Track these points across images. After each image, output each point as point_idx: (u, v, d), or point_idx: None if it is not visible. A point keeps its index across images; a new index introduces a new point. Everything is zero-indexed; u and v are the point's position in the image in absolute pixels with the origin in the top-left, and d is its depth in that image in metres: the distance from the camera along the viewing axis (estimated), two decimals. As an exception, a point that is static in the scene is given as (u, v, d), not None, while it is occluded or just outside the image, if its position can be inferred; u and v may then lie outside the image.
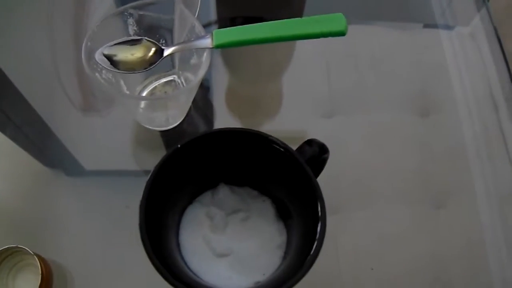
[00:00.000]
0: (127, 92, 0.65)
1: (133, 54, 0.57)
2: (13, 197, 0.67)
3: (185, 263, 0.54)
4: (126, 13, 0.60)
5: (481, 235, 0.67)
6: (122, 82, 0.63)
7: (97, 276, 0.62)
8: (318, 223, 0.47)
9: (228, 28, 0.56)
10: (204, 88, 0.73)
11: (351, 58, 0.79)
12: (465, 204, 0.69)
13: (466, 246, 0.66)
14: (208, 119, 0.73)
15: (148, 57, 0.58)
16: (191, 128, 0.70)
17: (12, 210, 0.65)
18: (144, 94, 0.69)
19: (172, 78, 0.69)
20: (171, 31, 0.63)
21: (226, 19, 0.83)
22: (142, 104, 0.66)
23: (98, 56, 0.56)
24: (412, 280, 0.64)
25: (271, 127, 0.71)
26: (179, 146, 0.50)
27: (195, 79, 0.57)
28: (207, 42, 0.56)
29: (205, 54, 0.57)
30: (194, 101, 0.68)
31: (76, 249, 0.63)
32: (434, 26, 0.85)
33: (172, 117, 0.67)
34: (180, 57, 0.67)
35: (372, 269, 0.63)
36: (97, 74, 0.57)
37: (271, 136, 0.50)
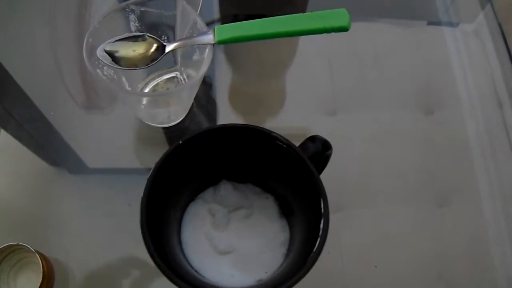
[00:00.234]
0: (129, 89, 0.64)
1: (134, 50, 0.57)
2: (15, 195, 0.66)
3: (187, 261, 0.53)
4: (127, 10, 0.59)
5: (485, 232, 0.67)
6: (124, 79, 0.63)
7: (98, 274, 0.62)
8: (321, 220, 0.46)
9: (230, 23, 0.55)
10: (207, 85, 0.73)
11: (354, 55, 0.79)
12: (469, 202, 0.69)
13: (470, 244, 0.66)
14: (211, 116, 0.72)
15: (150, 54, 0.57)
16: (193, 125, 0.70)
17: (14, 207, 0.65)
18: (146, 91, 0.68)
19: (174, 75, 0.69)
20: (173, 27, 0.62)
21: (229, 17, 0.83)
22: (144, 100, 0.65)
23: (99, 53, 0.56)
24: (415, 278, 0.64)
25: (274, 125, 0.70)
26: (180, 142, 0.49)
27: (197, 75, 0.56)
28: (209, 38, 0.55)
29: (207, 50, 0.57)
30: (196, 98, 0.68)
31: (78, 247, 0.63)
32: (438, 23, 0.84)
33: (174, 113, 0.67)
34: (182, 54, 0.66)
35: (375, 266, 0.63)
36: (98, 70, 0.56)
37: (273, 132, 0.50)
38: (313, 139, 0.52)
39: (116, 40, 0.57)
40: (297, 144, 0.51)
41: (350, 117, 0.74)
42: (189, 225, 0.56)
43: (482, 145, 0.73)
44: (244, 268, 0.53)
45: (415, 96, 0.76)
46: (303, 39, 0.79)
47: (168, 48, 0.57)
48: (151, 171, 0.48)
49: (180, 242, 0.55)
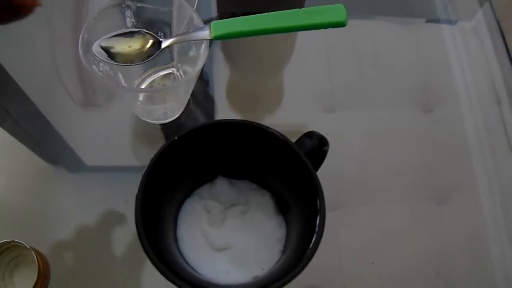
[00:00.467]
0: (125, 85, 0.64)
1: (130, 46, 0.57)
2: (11, 192, 0.66)
3: (183, 257, 0.53)
4: (123, 5, 0.59)
5: (484, 230, 0.67)
6: (120, 75, 0.63)
7: (95, 271, 0.61)
8: (317, 216, 0.46)
9: (226, 19, 0.55)
10: (205, 81, 0.73)
11: (353, 53, 0.79)
12: (467, 200, 0.69)
13: (468, 241, 0.66)
14: (208, 112, 0.72)
15: (145, 49, 0.57)
16: (190, 121, 0.69)
17: (11, 205, 0.65)
18: (142, 87, 0.68)
19: (170, 71, 0.68)
20: (169, 23, 0.62)
21: (227, 15, 0.82)
22: (141, 97, 0.65)
23: (95, 48, 0.56)
24: (414, 275, 0.64)
25: (271, 121, 0.70)
26: (176, 138, 0.49)
27: (193, 71, 0.56)
28: (205, 33, 0.55)
29: (203, 46, 0.57)
30: (194, 95, 0.68)
31: (74, 244, 0.62)
32: (437, 21, 0.84)
33: (170, 110, 0.66)
34: (178, 50, 0.66)
35: (372, 263, 0.63)
36: (94, 66, 0.56)
37: (270, 128, 0.50)
38: (309, 135, 0.52)
39: (112, 36, 0.57)
40: (294, 140, 0.51)
41: (348, 115, 0.73)
42: (185, 222, 0.55)
43: (481, 142, 0.72)
44: (240, 264, 0.53)
45: (413, 93, 0.76)
46: (301, 36, 0.79)
47: (164, 44, 0.57)
48: (146, 167, 0.48)
49: (176, 239, 0.54)
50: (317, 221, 0.46)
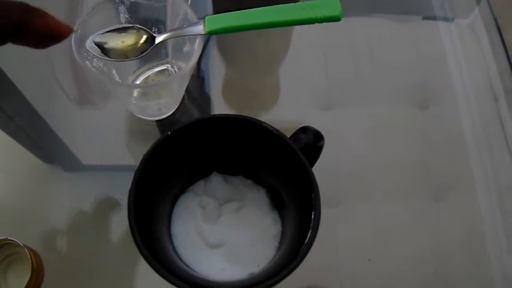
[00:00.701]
0: (119, 81, 0.64)
1: (124, 41, 0.56)
2: (6, 190, 0.66)
3: (177, 254, 0.53)
4: (117, 1, 0.59)
5: (481, 227, 0.67)
6: (114, 72, 0.62)
7: (89, 269, 0.61)
8: (312, 211, 0.46)
9: (220, 14, 0.55)
10: (200, 78, 0.73)
11: (350, 50, 0.79)
12: (464, 197, 0.69)
13: (466, 239, 0.66)
14: (203, 109, 0.72)
15: (139, 45, 0.57)
16: (185, 117, 0.69)
17: (5, 203, 0.65)
18: (137, 83, 0.68)
19: (165, 67, 0.68)
20: (163, 19, 0.62)
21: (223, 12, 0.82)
22: (135, 93, 0.65)
23: (88, 44, 0.55)
24: (411, 272, 0.64)
25: (268, 119, 0.68)
26: (169, 133, 0.49)
27: (187, 66, 0.55)
28: (199, 28, 0.55)
29: (197, 41, 0.56)
30: (190, 92, 0.68)
31: (68, 242, 0.62)
32: (433, 18, 0.84)
33: (164, 106, 0.66)
34: (173, 46, 0.66)
35: (369, 260, 0.62)
36: (87, 62, 0.56)
37: (264, 122, 0.49)
38: (304, 130, 0.52)
39: (106, 32, 0.56)
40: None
41: (345, 112, 0.73)
42: (179, 218, 0.55)
43: (478, 139, 0.72)
44: (236, 261, 0.53)
45: (410, 91, 0.76)
46: (297, 32, 0.78)
47: (158, 40, 0.56)
48: (138, 163, 0.47)
49: (170, 236, 0.54)
50: (312, 217, 0.45)
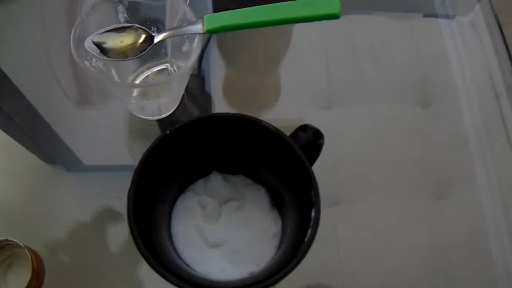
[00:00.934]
0: (118, 81, 0.63)
1: (122, 41, 0.56)
2: (6, 191, 0.66)
3: (178, 254, 0.53)
4: (115, 0, 0.59)
5: (483, 225, 0.67)
6: (113, 71, 0.62)
7: (89, 269, 0.61)
8: (312, 209, 0.45)
9: (219, 12, 0.55)
10: (201, 78, 0.73)
11: (350, 48, 0.78)
12: (466, 194, 0.69)
13: (468, 236, 0.66)
14: (204, 109, 0.72)
15: (138, 44, 0.57)
16: (185, 116, 0.69)
17: (5, 203, 0.65)
18: (136, 83, 0.67)
19: (164, 67, 0.68)
20: (162, 18, 0.62)
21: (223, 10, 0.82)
22: (134, 92, 0.65)
23: (87, 44, 0.55)
24: (412, 270, 0.64)
25: (268, 118, 0.68)
26: (168, 132, 0.49)
27: (186, 65, 0.55)
28: (198, 27, 0.55)
29: (196, 40, 0.56)
30: (190, 91, 0.68)
31: (68, 242, 0.62)
32: (434, 15, 0.84)
33: (164, 105, 0.66)
34: (172, 45, 0.65)
35: (370, 258, 0.62)
36: (86, 62, 0.56)
37: (263, 121, 0.49)
38: (304, 128, 0.51)
39: (104, 31, 0.56)
40: (291, 136, 0.51)
41: (346, 110, 0.73)
42: (179, 218, 0.55)
43: (480, 136, 0.72)
44: (236, 261, 0.53)
45: (411, 88, 0.76)
46: (297, 31, 0.78)
47: (157, 39, 0.56)
48: (138, 162, 0.47)
49: (170, 236, 0.54)
50: (312, 215, 0.45)
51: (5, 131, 0.69)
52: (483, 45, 0.80)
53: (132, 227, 0.44)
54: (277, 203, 0.56)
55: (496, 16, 0.81)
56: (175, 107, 0.68)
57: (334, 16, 0.53)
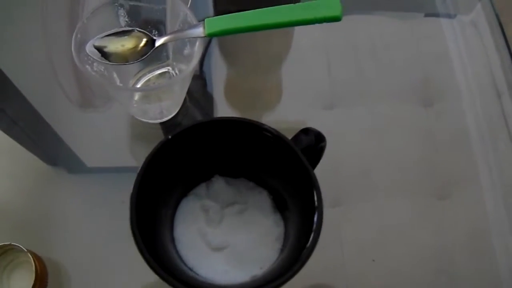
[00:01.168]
0: (120, 85, 0.64)
1: (124, 45, 0.56)
2: (8, 194, 0.66)
3: (180, 258, 0.53)
4: (117, 4, 0.59)
5: (486, 224, 0.66)
6: (115, 75, 0.62)
7: (92, 273, 0.61)
8: (315, 213, 0.45)
9: (220, 16, 0.55)
10: (203, 80, 0.72)
11: (352, 48, 0.78)
12: (469, 194, 0.68)
13: (471, 236, 0.66)
14: (206, 111, 0.72)
15: (139, 48, 0.57)
16: (187, 120, 0.69)
17: (8, 207, 0.65)
18: (138, 86, 0.68)
19: (166, 70, 0.68)
20: (163, 21, 0.62)
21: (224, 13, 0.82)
22: (136, 96, 0.65)
23: (88, 48, 0.55)
24: (416, 271, 0.64)
25: (271, 119, 0.70)
26: (170, 137, 0.49)
27: (188, 68, 0.55)
28: (199, 31, 0.55)
29: (197, 44, 0.56)
30: (192, 94, 0.68)
31: (71, 246, 0.62)
32: (436, 15, 0.84)
33: (166, 109, 0.66)
34: (173, 49, 0.66)
35: (373, 260, 0.62)
36: (88, 66, 0.56)
37: (264, 124, 0.49)
38: (306, 131, 0.51)
39: (105, 35, 0.56)
40: (293, 138, 0.51)
41: (348, 111, 0.73)
42: (182, 222, 0.55)
43: (482, 135, 0.72)
44: (238, 264, 0.53)
45: (413, 88, 0.75)
46: (299, 32, 0.78)
47: (158, 42, 0.57)
48: (140, 166, 0.47)
49: (173, 239, 0.54)
50: (315, 218, 0.45)
51: (8, 134, 0.69)
52: (485, 44, 0.80)
53: (135, 232, 0.44)
54: (280, 206, 0.56)
55: (497, 15, 0.81)
56: (177, 110, 0.68)
57: (336, 19, 0.53)
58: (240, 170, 0.57)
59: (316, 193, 0.46)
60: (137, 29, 0.57)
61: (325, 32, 0.78)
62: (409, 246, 0.65)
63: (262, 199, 0.56)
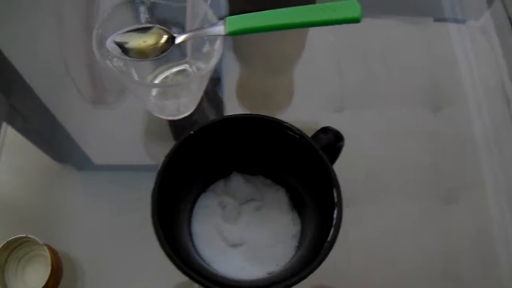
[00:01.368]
0: (142, 81, 0.64)
1: (144, 41, 0.57)
2: (24, 190, 0.66)
3: (198, 253, 0.53)
4: (137, 1, 0.59)
5: (492, 229, 0.67)
6: (133, 71, 0.63)
7: (107, 267, 0.62)
8: (334, 210, 0.46)
9: (241, 14, 0.55)
10: (215, 79, 0.73)
11: (362, 52, 0.79)
12: (476, 199, 0.69)
13: (477, 241, 0.66)
14: (219, 111, 0.72)
15: (159, 45, 0.57)
16: (202, 118, 0.69)
17: (23, 203, 0.65)
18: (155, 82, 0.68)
19: (184, 67, 0.68)
20: (183, 19, 0.62)
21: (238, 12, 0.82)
22: (154, 92, 0.65)
23: (109, 44, 0.56)
24: (422, 274, 0.64)
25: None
26: (192, 132, 0.49)
27: (207, 66, 0.56)
28: (220, 29, 0.55)
29: (217, 42, 0.56)
30: (205, 93, 0.68)
31: (87, 241, 0.62)
32: (445, 20, 0.84)
33: (183, 105, 0.66)
34: (192, 46, 0.66)
35: (380, 261, 0.63)
36: (108, 62, 0.56)
37: (285, 122, 0.50)
38: (325, 130, 0.52)
39: (126, 31, 0.57)
40: (308, 138, 0.51)
41: (358, 114, 0.73)
42: (199, 218, 0.55)
43: (490, 141, 0.72)
44: (255, 260, 0.53)
45: (422, 93, 0.76)
46: (311, 34, 0.79)
47: (178, 40, 0.57)
48: (162, 161, 0.48)
49: (190, 235, 0.54)
50: (335, 214, 0.46)
51: (19, 131, 0.69)
52: (494, 50, 0.80)
53: (156, 226, 0.44)
54: (297, 204, 0.56)
55: (510, 19, 0.81)
56: (194, 108, 0.68)
57: (355, 20, 0.54)
58: (258, 168, 0.57)
59: (336, 190, 0.46)
60: (158, 26, 0.57)
61: (336, 35, 0.78)
62: (415, 249, 0.65)
63: (280, 196, 0.57)
